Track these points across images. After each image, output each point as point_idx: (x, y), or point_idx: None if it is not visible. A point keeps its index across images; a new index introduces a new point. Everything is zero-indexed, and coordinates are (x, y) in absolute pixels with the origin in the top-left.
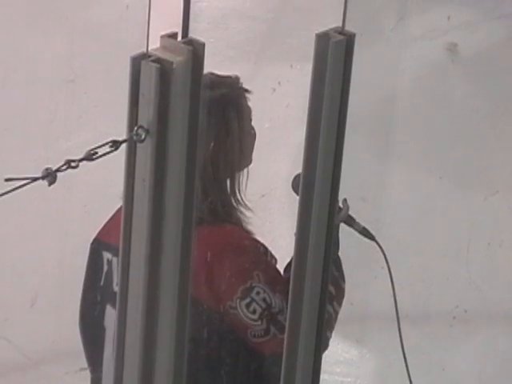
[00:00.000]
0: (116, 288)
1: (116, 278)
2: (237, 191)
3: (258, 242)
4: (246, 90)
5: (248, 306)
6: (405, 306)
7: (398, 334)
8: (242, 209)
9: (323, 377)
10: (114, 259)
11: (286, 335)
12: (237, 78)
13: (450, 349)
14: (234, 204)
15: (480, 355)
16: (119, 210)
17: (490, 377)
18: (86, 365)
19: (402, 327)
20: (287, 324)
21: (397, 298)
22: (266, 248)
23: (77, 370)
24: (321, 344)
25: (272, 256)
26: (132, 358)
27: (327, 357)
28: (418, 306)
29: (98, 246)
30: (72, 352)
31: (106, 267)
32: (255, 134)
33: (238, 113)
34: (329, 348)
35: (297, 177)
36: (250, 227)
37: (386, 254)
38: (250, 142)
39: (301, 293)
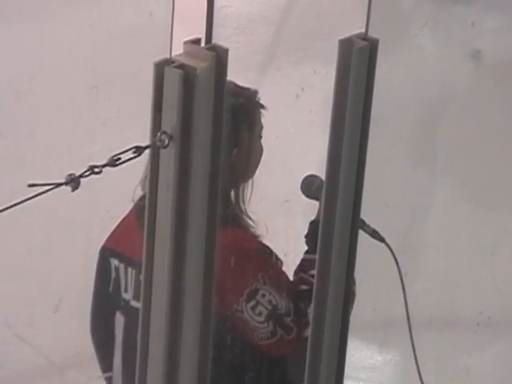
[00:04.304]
0: (124, 295)
1: (123, 285)
2: (240, 201)
3: (262, 244)
4: (262, 106)
5: (254, 308)
6: (430, 311)
7: (421, 340)
8: (245, 217)
9: (347, 382)
10: (121, 265)
11: (309, 338)
12: (255, 92)
13: (474, 355)
14: (238, 212)
15: (503, 361)
16: (125, 218)
17: None
18: None
19: (426, 333)
20: (311, 327)
21: (422, 304)
22: (271, 250)
23: (99, 375)
24: (345, 346)
25: (278, 258)
26: (156, 366)
27: (351, 362)
28: (443, 312)
29: (106, 253)
30: (95, 358)
31: (113, 274)
32: (262, 150)
33: (250, 125)
34: (353, 354)
35: (305, 179)
36: (257, 232)
37: (412, 260)
38: (256, 156)
39: (325, 296)
